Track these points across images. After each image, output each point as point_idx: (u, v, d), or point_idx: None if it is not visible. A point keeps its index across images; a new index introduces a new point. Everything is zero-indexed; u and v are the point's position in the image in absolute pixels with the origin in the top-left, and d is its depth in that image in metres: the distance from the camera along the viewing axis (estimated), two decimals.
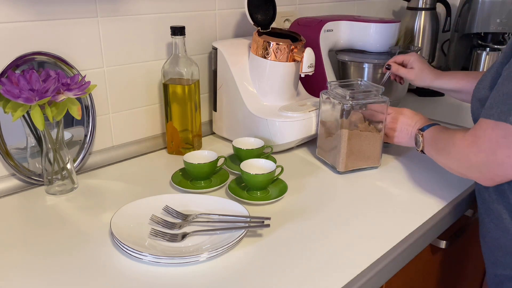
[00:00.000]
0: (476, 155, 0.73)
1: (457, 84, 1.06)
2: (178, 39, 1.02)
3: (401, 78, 1.17)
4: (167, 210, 0.81)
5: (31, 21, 0.88)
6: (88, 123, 0.99)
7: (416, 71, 1.11)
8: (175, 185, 0.91)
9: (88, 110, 0.98)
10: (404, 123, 0.98)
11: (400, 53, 1.24)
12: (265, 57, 1.08)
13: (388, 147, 1.12)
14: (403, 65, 1.15)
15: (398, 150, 1.12)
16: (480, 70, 1.62)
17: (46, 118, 0.82)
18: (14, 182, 0.91)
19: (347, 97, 0.96)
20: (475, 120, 0.83)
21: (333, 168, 1.02)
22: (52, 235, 0.76)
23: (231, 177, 0.96)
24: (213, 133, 1.24)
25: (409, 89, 1.57)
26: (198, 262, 0.69)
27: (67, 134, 0.96)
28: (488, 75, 0.77)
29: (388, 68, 1.15)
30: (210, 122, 1.24)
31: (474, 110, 0.82)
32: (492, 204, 0.80)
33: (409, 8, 1.70)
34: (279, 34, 1.12)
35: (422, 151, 0.92)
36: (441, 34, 1.76)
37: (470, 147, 0.74)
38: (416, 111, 1.00)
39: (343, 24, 1.25)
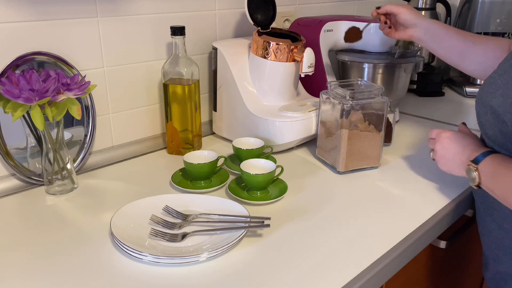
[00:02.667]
0: None
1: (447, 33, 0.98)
2: (178, 39, 1.02)
3: (389, 25, 1.08)
4: (167, 210, 0.81)
5: (31, 21, 0.88)
6: (88, 123, 0.99)
7: (408, 7, 1.04)
8: (175, 185, 0.91)
9: (88, 110, 0.98)
10: (452, 151, 0.85)
11: (400, 53, 1.24)
12: (265, 57, 1.08)
13: (388, 146, 1.12)
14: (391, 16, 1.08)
15: (398, 150, 1.12)
16: None
17: (46, 118, 0.82)
18: (14, 182, 0.91)
19: (347, 97, 0.96)
20: (481, 124, 0.78)
21: (333, 168, 1.02)
22: (52, 235, 0.76)
23: (231, 177, 0.96)
24: (213, 133, 1.24)
25: (409, 89, 1.57)
26: (198, 262, 0.69)
27: (67, 134, 0.96)
28: (502, 80, 0.71)
29: (378, 8, 1.08)
30: (210, 122, 1.24)
31: (481, 114, 0.77)
32: (495, 204, 0.79)
33: None
34: (279, 34, 1.12)
35: (478, 186, 0.78)
36: None
37: None
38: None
39: (343, 24, 1.25)
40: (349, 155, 0.98)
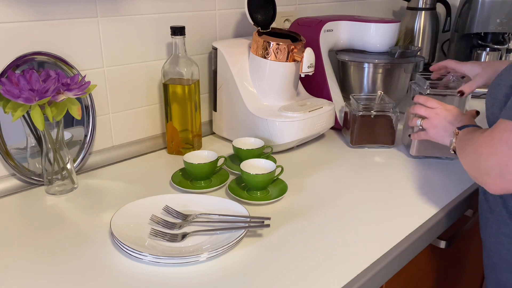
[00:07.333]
0: (488, 157, 0.66)
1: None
2: (178, 39, 1.02)
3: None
4: (167, 210, 0.81)
5: (31, 21, 0.88)
6: (88, 123, 0.99)
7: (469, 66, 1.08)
8: (175, 185, 0.91)
9: (88, 110, 0.98)
10: (446, 120, 0.90)
11: (400, 53, 1.24)
12: (265, 57, 1.08)
13: (390, 148, 1.12)
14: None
15: (399, 150, 1.12)
16: None
17: (46, 118, 0.82)
18: (14, 182, 0.91)
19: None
20: (488, 118, 0.79)
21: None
22: (52, 235, 0.76)
23: (231, 177, 0.96)
24: (213, 133, 1.24)
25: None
26: (198, 262, 0.69)
27: (67, 134, 0.96)
28: (510, 71, 0.72)
29: (461, 95, 1.06)
30: (210, 122, 1.24)
31: (488, 107, 0.77)
32: (496, 207, 0.78)
33: (409, 8, 1.70)
34: (279, 34, 1.12)
35: (454, 151, 0.85)
36: (441, 34, 1.76)
37: (484, 148, 0.68)
38: None
39: (343, 24, 1.25)
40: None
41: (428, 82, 1.08)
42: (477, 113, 0.94)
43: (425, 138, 0.96)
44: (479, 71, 1.04)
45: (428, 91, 1.06)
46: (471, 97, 1.59)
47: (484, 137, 0.69)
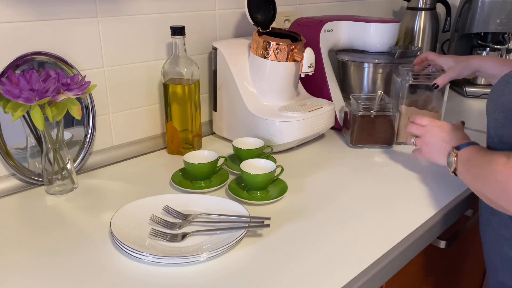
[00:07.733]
0: None
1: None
2: (178, 39, 1.02)
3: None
4: (167, 210, 0.81)
5: (31, 21, 0.88)
6: (88, 123, 0.99)
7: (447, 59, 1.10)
8: (175, 185, 0.91)
9: (88, 110, 0.98)
10: (439, 138, 0.88)
11: (400, 53, 1.24)
12: (265, 57, 1.08)
13: (390, 148, 1.12)
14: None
15: (399, 150, 1.12)
16: None
17: (46, 118, 0.82)
18: (14, 182, 0.91)
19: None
20: (489, 123, 0.76)
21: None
22: (52, 235, 0.76)
23: (231, 177, 0.96)
24: (213, 133, 1.24)
25: None
26: (198, 262, 0.69)
27: (67, 134, 0.96)
28: None
29: (436, 87, 1.08)
30: (210, 122, 1.24)
31: (490, 112, 0.74)
32: (494, 211, 0.76)
33: (409, 8, 1.70)
34: (279, 34, 1.12)
35: (454, 172, 0.81)
36: (441, 34, 1.76)
37: (510, 176, 0.63)
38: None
39: (343, 24, 1.25)
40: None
41: (410, 73, 1.12)
42: (463, 123, 0.93)
43: (421, 157, 0.94)
44: (452, 64, 1.07)
45: (410, 82, 1.10)
46: (471, 97, 1.59)
47: (506, 164, 0.64)
